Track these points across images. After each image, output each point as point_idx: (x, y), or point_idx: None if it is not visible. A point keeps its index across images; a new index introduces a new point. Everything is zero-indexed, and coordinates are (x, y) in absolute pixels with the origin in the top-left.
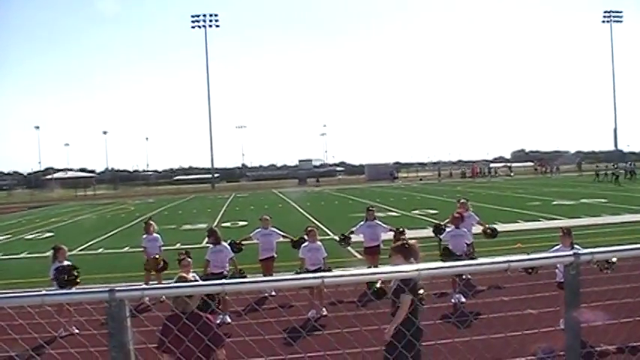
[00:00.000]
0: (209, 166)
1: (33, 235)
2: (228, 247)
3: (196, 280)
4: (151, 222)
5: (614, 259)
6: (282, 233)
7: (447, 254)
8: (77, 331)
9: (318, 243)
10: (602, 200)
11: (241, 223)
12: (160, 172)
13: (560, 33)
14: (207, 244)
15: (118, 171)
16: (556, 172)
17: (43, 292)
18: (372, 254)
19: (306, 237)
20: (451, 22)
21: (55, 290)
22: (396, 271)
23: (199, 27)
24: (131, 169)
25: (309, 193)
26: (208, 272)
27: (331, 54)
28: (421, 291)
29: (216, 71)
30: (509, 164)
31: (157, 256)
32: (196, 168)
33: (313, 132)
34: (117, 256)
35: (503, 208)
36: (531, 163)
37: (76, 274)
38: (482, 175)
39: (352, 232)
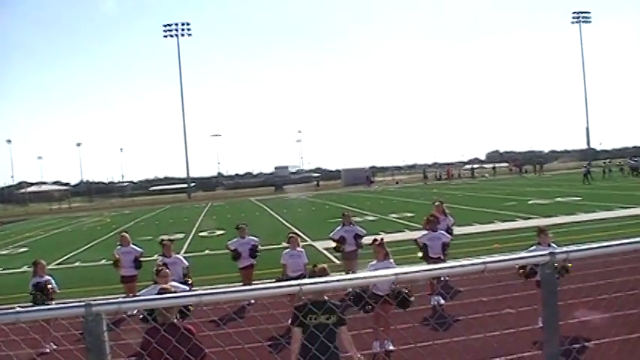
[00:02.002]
0: (185, 175)
1: (7, 251)
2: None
3: (176, 292)
4: (125, 234)
5: (569, 265)
6: (257, 240)
7: (425, 258)
8: (55, 347)
9: (300, 249)
10: (576, 198)
11: (219, 232)
12: (136, 183)
13: (530, 34)
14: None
15: (92, 183)
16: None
17: (18, 309)
18: (351, 259)
19: (287, 244)
20: (422, 23)
21: (31, 306)
22: (374, 277)
23: (172, 36)
24: (106, 181)
25: (285, 200)
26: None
27: (304, 60)
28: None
29: (189, 80)
30: (493, 165)
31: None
32: (172, 178)
33: (289, 138)
34: (94, 270)
35: (479, 209)
36: (506, 164)
37: (51, 290)
38: (459, 177)
39: (331, 239)
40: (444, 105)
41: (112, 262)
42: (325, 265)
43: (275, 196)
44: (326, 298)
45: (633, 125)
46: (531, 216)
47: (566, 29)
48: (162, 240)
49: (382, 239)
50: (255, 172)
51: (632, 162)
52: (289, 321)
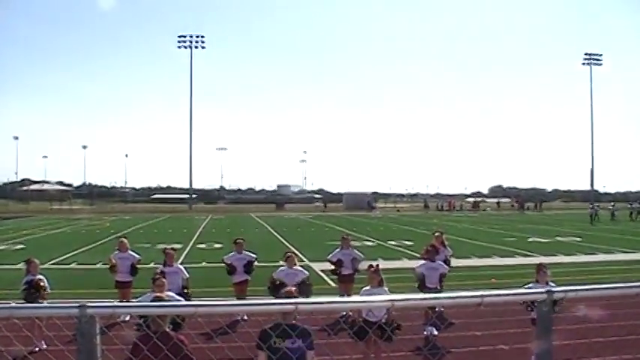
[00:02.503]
0: (187, 186)
1: (4, 247)
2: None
3: (170, 300)
4: (124, 239)
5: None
6: (254, 257)
7: (421, 287)
8: (45, 346)
9: (297, 268)
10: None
11: (217, 245)
12: (138, 190)
13: (540, 71)
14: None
15: (95, 186)
16: (539, 209)
17: (12, 304)
18: (346, 283)
19: (284, 262)
20: (433, 53)
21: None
22: (368, 302)
23: (185, 47)
24: (109, 185)
25: (286, 218)
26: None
27: (315, 80)
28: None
29: (199, 91)
30: (497, 200)
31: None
32: (174, 187)
33: (293, 158)
34: (89, 272)
35: (479, 243)
36: (508, 200)
37: (44, 288)
38: (460, 209)
39: (329, 261)
40: (450, 136)
41: (108, 266)
42: (293, 289)
43: (276, 213)
44: (294, 321)
45: (637, 170)
46: (530, 253)
47: (576, 69)
48: (166, 249)
49: (378, 265)
50: (257, 189)
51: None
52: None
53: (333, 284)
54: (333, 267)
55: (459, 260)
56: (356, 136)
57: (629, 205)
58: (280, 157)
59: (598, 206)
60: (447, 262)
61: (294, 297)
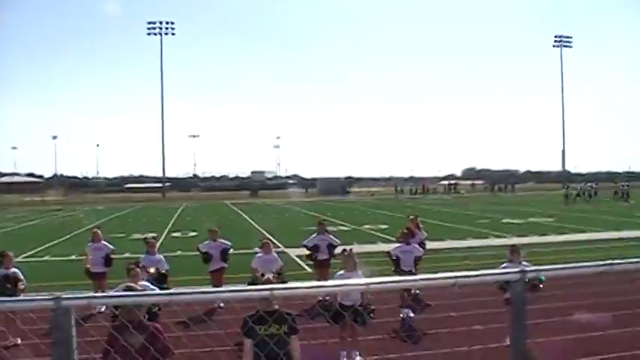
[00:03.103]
0: (160, 174)
1: None
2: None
3: (145, 290)
4: (97, 230)
5: (541, 282)
6: (229, 244)
7: (396, 270)
8: (19, 341)
9: (273, 254)
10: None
11: (192, 234)
12: (110, 180)
13: (512, 54)
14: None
15: (67, 177)
16: (509, 190)
17: None
18: (323, 268)
19: (259, 249)
20: (407, 36)
21: None
22: (344, 284)
23: (155, 34)
24: (81, 176)
25: (260, 205)
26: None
27: (288, 65)
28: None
29: (170, 78)
30: (472, 182)
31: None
32: (147, 176)
33: (267, 143)
34: (64, 264)
35: (453, 225)
36: (481, 182)
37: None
38: (434, 192)
39: (305, 246)
40: (423, 120)
41: (83, 258)
42: (270, 276)
43: (250, 200)
44: (276, 307)
45: (606, 150)
46: (504, 234)
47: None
48: (147, 237)
49: (351, 249)
50: (231, 176)
51: (622, 187)
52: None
53: (309, 269)
54: (309, 252)
55: (433, 243)
56: (329, 121)
57: (616, 185)
58: (254, 144)
59: (592, 186)
60: (422, 245)
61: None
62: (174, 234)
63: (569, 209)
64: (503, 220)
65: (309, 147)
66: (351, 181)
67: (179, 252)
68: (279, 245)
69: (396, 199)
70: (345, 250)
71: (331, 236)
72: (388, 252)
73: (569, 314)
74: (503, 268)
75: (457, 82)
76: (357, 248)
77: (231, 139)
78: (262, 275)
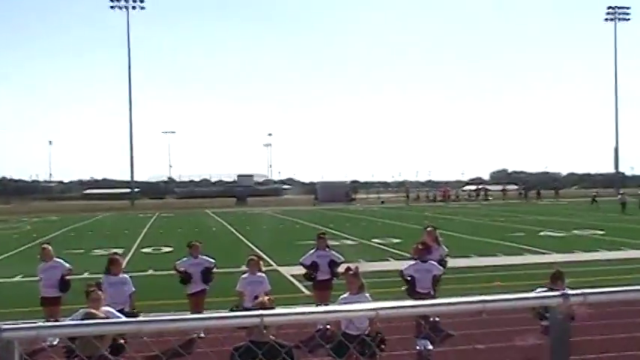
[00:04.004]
0: (128, 178)
1: None
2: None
3: (108, 317)
4: (47, 246)
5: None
6: (212, 262)
7: (410, 292)
8: None
9: (261, 275)
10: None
11: (165, 249)
12: (66, 184)
13: (553, 35)
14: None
15: (11, 180)
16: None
17: None
18: (323, 290)
19: (246, 268)
20: (427, 21)
21: None
22: (349, 310)
23: (120, 7)
24: (29, 179)
25: (248, 215)
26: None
27: (281, 51)
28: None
29: (140, 64)
30: (502, 187)
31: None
32: (112, 180)
33: (256, 142)
34: (7, 288)
35: (480, 239)
36: (515, 186)
37: None
38: (457, 199)
39: (301, 264)
40: (441, 115)
41: (34, 279)
42: (267, 299)
43: (237, 209)
44: (271, 337)
45: None
46: (542, 250)
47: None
48: (111, 254)
49: (357, 268)
50: (213, 180)
51: None
52: None
53: (306, 292)
54: (306, 271)
55: (456, 260)
56: (330, 116)
57: None
58: (241, 142)
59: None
60: (441, 262)
61: (269, 308)
62: (145, 250)
63: (624, 219)
64: (542, 233)
65: (307, 146)
66: (356, 186)
67: (150, 271)
68: (271, 263)
69: (410, 208)
70: (349, 268)
71: (333, 252)
72: (401, 271)
73: (623, 348)
74: (541, 292)
75: (481, 70)
76: (363, 266)
77: (214, 136)
78: (256, 297)
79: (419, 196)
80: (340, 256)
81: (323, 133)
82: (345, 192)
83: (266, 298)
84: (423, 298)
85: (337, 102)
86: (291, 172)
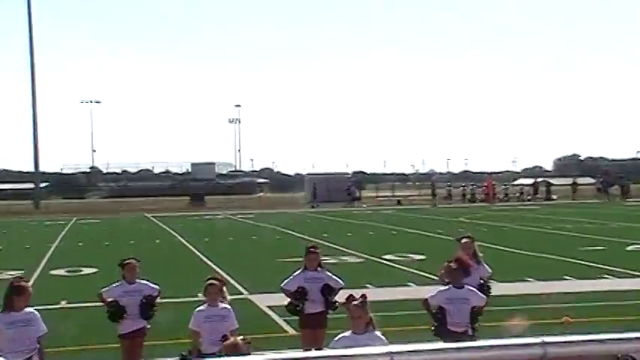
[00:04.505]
0: (31, 168)
1: None
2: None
3: None
4: None
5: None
6: (155, 288)
7: (439, 330)
8: None
9: (225, 306)
10: None
11: (86, 271)
12: None
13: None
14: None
15: None
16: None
17: None
18: (314, 327)
19: (203, 297)
20: None
21: None
22: (352, 356)
23: None
24: None
25: (208, 221)
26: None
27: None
28: None
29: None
30: (573, 180)
31: None
32: (9, 172)
33: (218, 116)
34: None
35: (539, 255)
36: (592, 180)
37: None
38: (505, 198)
39: (284, 291)
40: (484, 82)
41: None
42: (242, 339)
43: (191, 212)
44: None
45: None
46: (631, 272)
47: None
48: (16, 281)
49: (364, 297)
50: (157, 170)
51: None
52: None
53: (290, 330)
54: (290, 301)
55: (505, 285)
56: (322, 81)
57: None
58: (196, 117)
59: None
60: (483, 288)
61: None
62: (56, 272)
63: None
64: (630, 248)
65: (290, 123)
66: (361, 179)
67: (64, 303)
68: (240, 289)
69: (438, 210)
70: (352, 297)
71: (328, 273)
72: (426, 300)
73: None
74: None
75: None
76: (373, 294)
77: (156, 109)
78: (224, 338)
79: (450, 194)
80: (339, 280)
81: (313, 105)
82: (347, 188)
83: (239, 338)
84: (458, 339)
85: (332, 60)
86: (268, 161)
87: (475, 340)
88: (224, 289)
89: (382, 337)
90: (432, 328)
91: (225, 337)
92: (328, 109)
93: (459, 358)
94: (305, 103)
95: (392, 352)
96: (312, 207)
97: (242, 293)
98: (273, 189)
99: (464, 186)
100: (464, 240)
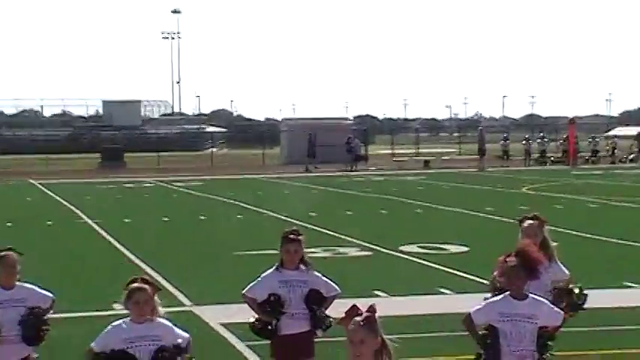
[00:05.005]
0: None
1: None
2: None
3: None
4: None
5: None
6: (47, 296)
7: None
8: None
9: (160, 322)
10: None
11: None
12: None
13: None
14: None
15: None
16: None
17: None
18: (294, 356)
19: (123, 307)
20: None
21: None
22: None
23: None
24: None
25: (130, 191)
26: None
27: None
28: None
29: None
30: None
31: None
32: None
33: (147, 31)
34: None
35: None
36: None
37: None
38: (593, 157)
39: (247, 301)
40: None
41: None
42: None
43: (102, 178)
44: None
45: None
46: None
47: None
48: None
49: (373, 311)
50: (48, 113)
51: None
52: None
53: None
54: (257, 317)
55: (592, 294)
56: None
57: None
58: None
59: None
60: (559, 298)
61: None
62: None
63: None
64: None
65: (258, 46)
66: (368, 129)
67: None
68: (180, 297)
69: (487, 176)
70: (354, 310)
71: (316, 274)
72: (469, 316)
73: None
74: None
75: None
76: (385, 306)
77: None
78: None
79: (507, 151)
80: (333, 284)
81: (293, 16)
82: (346, 142)
83: None
84: None
85: None
86: (223, 99)
87: None
88: (155, 298)
89: None
90: (478, 358)
91: None
92: (314, 22)
93: None
94: (281, 13)
95: None
96: (308, 171)
97: (183, 304)
98: (232, 142)
99: (528, 139)
100: (528, 222)
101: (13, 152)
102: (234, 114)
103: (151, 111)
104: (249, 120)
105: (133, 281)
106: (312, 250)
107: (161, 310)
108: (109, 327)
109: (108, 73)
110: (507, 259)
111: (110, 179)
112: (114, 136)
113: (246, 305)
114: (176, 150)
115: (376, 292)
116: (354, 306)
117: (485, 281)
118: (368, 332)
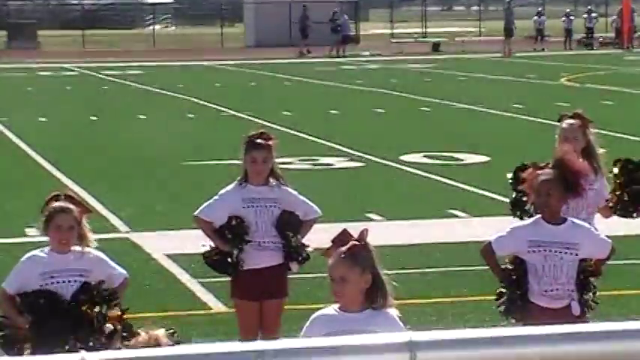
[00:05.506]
0: None
1: None
2: None
3: None
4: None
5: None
6: None
7: (514, 304)
8: None
9: (89, 251)
10: None
11: None
12: None
13: None
14: None
15: None
16: None
17: None
18: (261, 296)
19: (41, 234)
20: None
21: None
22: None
23: None
24: None
25: (45, 79)
26: None
27: None
28: None
29: None
30: None
31: None
32: None
33: None
34: None
35: None
36: None
37: None
38: None
39: (202, 225)
40: None
41: None
42: (162, 333)
43: (11, 64)
44: None
45: None
46: None
47: None
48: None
49: (363, 237)
50: None
51: None
52: None
53: (218, 304)
54: (213, 247)
55: None
56: None
57: None
58: None
59: None
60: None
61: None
62: None
63: None
64: None
65: None
66: (358, 0)
67: None
68: (115, 223)
69: (513, 62)
70: (342, 238)
71: (290, 190)
72: (488, 244)
73: None
74: None
75: None
76: (381, 232)
77: None
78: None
79: (542, 30)
80: (312, 205)
81: None
82: (331, 19)
83: (161, 331)
84: (551, 321)
85: None
86: None
87: (586, 324)
88: (84, 220)
89: (396, 317)
90: (500, 299)
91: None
92: None
93: (544, 355)
94: None
95: (413, 342)
96: (301, 54)
97: (118, 230)
98: (181, 19)
99: (569, 14)
100: (568, 123)
101: None
102: None
103: None
104: None
105: (54, 199)
106: (286, 160)
107: (91, 237)
108: (23, 259)
109: None
110: (540, 171)
111: (19, 65)
112: (23, 8)
113: (199, 231)
114: (106, 27)
115: (369, 215)
116: (345, 231)
117: (505, 198)
118: (351, 266)
